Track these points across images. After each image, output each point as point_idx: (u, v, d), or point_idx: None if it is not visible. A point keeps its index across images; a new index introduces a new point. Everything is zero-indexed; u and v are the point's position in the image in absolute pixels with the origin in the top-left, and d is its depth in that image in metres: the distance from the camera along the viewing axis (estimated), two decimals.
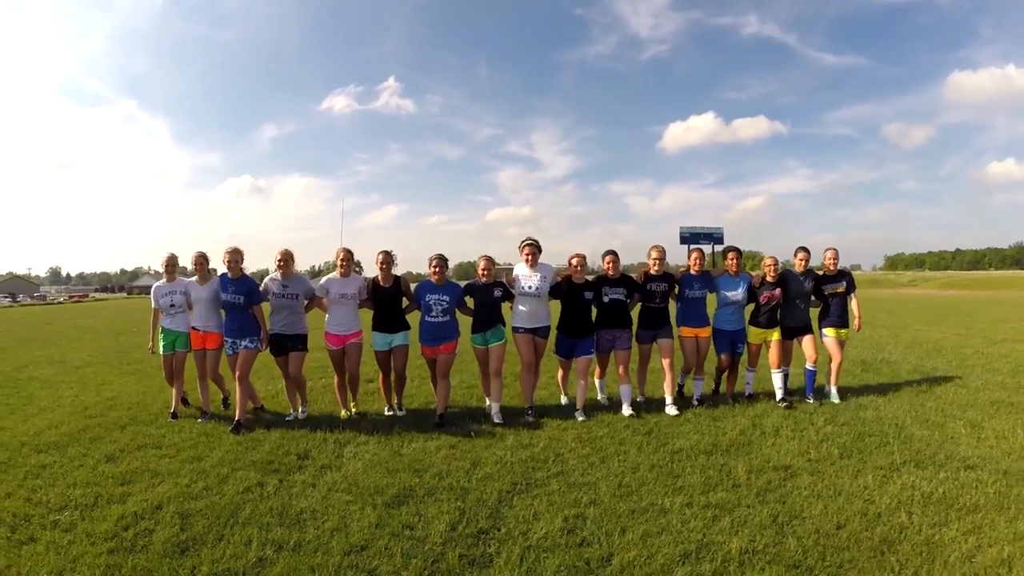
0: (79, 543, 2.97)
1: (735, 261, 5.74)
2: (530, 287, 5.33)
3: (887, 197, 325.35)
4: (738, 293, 5.69)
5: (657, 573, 2.59)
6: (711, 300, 5.84)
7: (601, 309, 5.54)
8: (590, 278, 5.53)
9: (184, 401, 5.99)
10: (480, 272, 5.41)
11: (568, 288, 5.41)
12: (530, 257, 5.39)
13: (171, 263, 5.59)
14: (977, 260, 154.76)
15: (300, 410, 5.50)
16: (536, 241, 5.50)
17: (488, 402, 5.50)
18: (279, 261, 5.27)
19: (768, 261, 5.88)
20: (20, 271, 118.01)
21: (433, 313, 5.28)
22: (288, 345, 5.34)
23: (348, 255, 5.41)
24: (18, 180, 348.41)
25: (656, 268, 5.65)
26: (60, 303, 63.92)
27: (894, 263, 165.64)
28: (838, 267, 6.06)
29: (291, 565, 2.71)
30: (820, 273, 6.04)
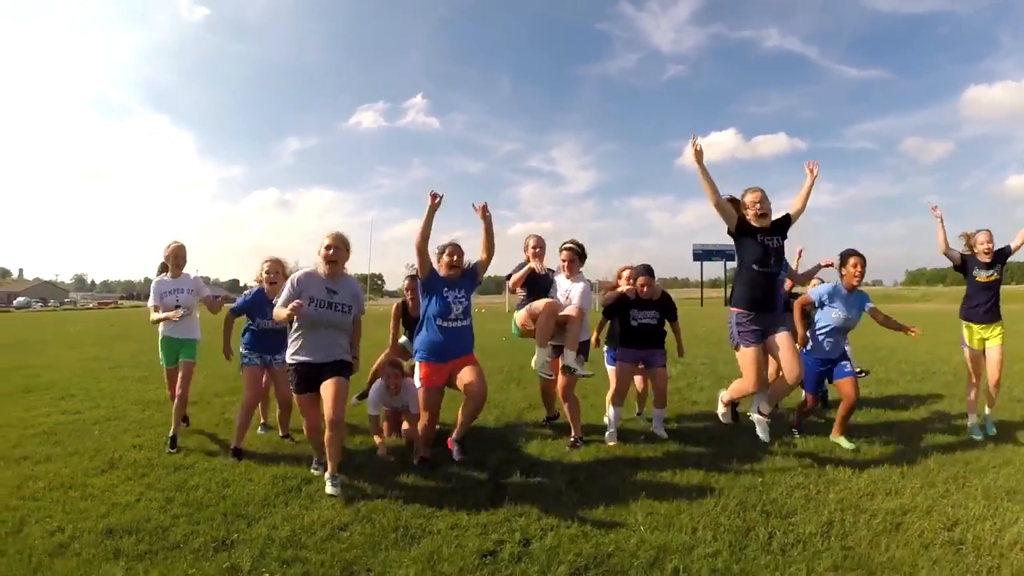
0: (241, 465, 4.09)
1: (860, 273, 4.47)
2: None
3: (909, 212, 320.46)
4: (855, 316, 4.49)
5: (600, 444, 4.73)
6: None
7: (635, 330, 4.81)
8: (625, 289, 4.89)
9: (185, 420, 4.92)
10: (531, 253, 4.55)
11: (619, 304, 4.76)
12: (568, 264, 4.48)
13: (177, 254, 4.65)
14: None
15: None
16: (577, 246, 4.54)
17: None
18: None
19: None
20: (47, 277, 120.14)
21: (452, 315, 3.98)
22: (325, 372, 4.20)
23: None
24: (50, 189, 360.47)
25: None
26: (90, 309, 67.20)
27: (915, 278, 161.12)
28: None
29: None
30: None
